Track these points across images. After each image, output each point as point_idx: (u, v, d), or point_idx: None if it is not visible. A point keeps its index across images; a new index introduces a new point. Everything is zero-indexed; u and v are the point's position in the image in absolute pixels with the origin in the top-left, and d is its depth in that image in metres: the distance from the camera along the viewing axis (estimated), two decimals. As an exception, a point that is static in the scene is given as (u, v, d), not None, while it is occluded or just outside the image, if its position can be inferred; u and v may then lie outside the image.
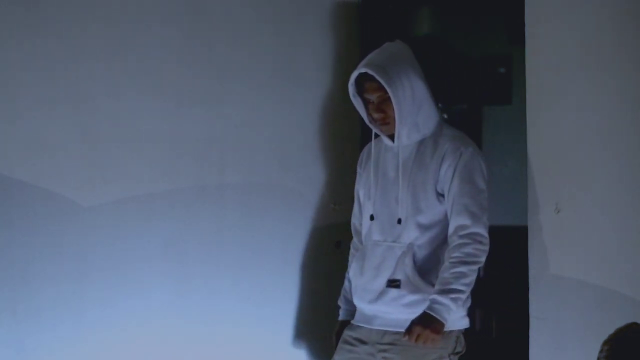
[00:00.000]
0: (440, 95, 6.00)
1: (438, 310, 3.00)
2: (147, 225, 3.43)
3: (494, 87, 6.07)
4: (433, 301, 3.01)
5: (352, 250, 3.38)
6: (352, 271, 3.27)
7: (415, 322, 3.01)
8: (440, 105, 6.03)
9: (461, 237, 3.04)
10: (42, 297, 3.24)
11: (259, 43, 3.64)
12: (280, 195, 3.67)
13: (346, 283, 3.36)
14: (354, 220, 3.38)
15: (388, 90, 3.09)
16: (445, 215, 3.11)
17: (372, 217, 3.21)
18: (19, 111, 3.23)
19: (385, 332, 3.13)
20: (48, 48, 3.27)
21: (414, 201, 3.12)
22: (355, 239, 3.38)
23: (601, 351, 2.11)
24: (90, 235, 3.33)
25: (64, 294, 3.28)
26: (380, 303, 3.14)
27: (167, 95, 3.48)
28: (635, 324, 2.18)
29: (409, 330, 3.00)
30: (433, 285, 3.06)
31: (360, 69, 3.14)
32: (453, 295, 3.00)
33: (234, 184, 3.57)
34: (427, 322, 2.99)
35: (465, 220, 3.05)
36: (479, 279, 5.39)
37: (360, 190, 3.31)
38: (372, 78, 3.12)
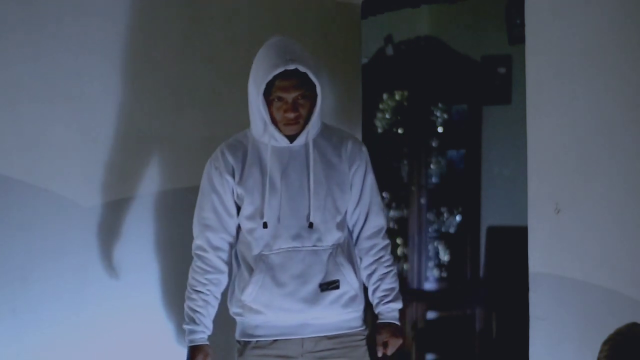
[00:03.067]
0: (441, 95, 6.03)
1: (397, 317, 3.13)
2: (147, 225, 3.43)
3: (494, 87, 6.07)
4: (391, 309, 3.11)
5: (205, 267, 3.06)
6: (258, 286, 2.99)
7: (390, 335, 3.09)
8: (440, 105, 6.06)
9: (383, 238, 3.16)
10: (42, 296, 3.24)
11: (259, 43, 3.64)
12: (280, 195, 3.66)
13: (199, 302, 3.05)
14: (211, 235, 3.05)
15: (318, 88, 2.95)
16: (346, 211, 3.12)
17: (265, 225, 2.98)
18: (19, 111, 3.23)
19: (320, 339, 3.03)
20: (48, 48, 3.27)
21: (334, 203, 3.04)
22: (212, 257, 3.05)
23: (601, 351, 2.11)
24: (90, 235, 3.33)
25: (64, 293, 3.28)
26: (314, 310, 3.00)
27: (167, 95, 3.48)
28: (635, 324, 2.18)
29: (384, 345, 3.09)
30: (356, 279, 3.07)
31: (288, 66, 2.89)
32: (400, 297, 3.14)
33: (234, 184, 3.57)
34: (398, 332, 3.12)
35: (382, 220, 3.15)
36: (479, 279, 5.36)
37: (245, 197, 3.01)
38: (291, 76, 2.91)
